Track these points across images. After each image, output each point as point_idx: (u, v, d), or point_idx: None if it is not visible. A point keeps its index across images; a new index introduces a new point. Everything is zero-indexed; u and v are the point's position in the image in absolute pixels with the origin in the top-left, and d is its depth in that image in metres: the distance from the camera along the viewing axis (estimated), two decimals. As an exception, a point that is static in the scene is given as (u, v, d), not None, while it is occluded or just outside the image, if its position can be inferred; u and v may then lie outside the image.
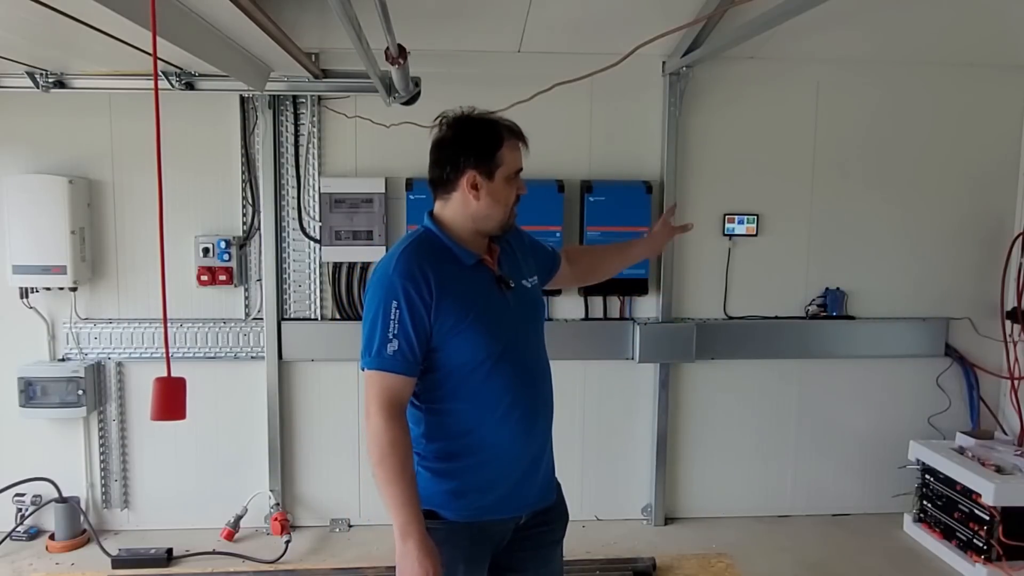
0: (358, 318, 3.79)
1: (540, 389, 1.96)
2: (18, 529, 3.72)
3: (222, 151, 3.72)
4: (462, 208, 1.86)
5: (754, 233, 3.90)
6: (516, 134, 1.89)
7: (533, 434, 1.92)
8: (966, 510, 3.52)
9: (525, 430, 1.89)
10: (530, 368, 1.93)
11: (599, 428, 3.98)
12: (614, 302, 3.91)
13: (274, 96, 3.63)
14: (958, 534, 3.57)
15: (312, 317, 3.81)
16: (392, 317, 1.74)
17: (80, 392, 3.63)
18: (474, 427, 1.86)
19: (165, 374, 1.91)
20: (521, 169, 1.91)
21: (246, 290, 3.80)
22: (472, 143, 1.84)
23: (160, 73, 3.26)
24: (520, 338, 1.91)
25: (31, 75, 3.32)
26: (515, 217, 1.93)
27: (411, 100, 3.34)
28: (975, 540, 3.46)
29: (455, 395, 1.84)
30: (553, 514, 2.03)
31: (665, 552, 3.66)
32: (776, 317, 3.98)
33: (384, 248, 3.63)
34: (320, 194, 3.69)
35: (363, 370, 1.79)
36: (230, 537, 3.73)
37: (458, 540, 1.83)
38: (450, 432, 1.86)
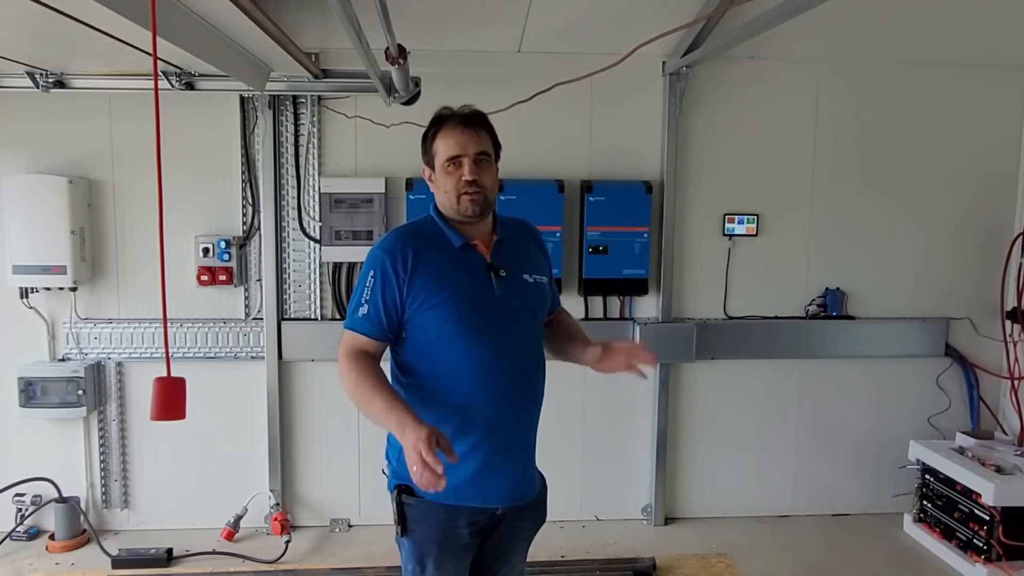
0: (358, 318, 3.79)
1: (521, 380, 1.97)
2: (18, 529, 3.72)
3: (222, 151, 3.72)
4: (435, 197, 2.01)
5: (754, 233, 3.90)
6: (459, 120, 1.92)
7: (507, 423, 1.95)
8: (966, 510, 3.52)
9: (495, 418, 1.92)
10: (512, 358, 1.94)
11: (599, 428, 3.98)
12: (614, 302, 3.91)
13: (274, 96, 3.63)
14: (958, 534, 3.57)
15: (312, 317, 3.81)
16: (367, 285, 1.91)
17: (80, 392, 3.63)
18: (442, 405, 1.91)
19: (165, 374, 1.91)
20: (460, 155, 1.90)
21: (246, 290, 3.80)
22: (422, 140, 2.00)
23: (160, 73, 3.26)
24: (505, 327, 1.93)
25: (31, 75, 3.32)
26: (475, 202, 1.90)
27: (411, 100, 3.34)
28: (975, 540, 3.46)
29: (428, 370, 1.93)
30: (527, 513, 2.06)
31: (665, 552, 3.66)
32: (776, 317, 3.98)
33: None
34: (320, 194, 3.69)
35: None
36: (230, 537, 3.73)
37: (431, 520, 1.91)
38: (422, 407, 1.89)
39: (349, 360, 1.89)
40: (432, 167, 1.97)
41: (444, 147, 1.92)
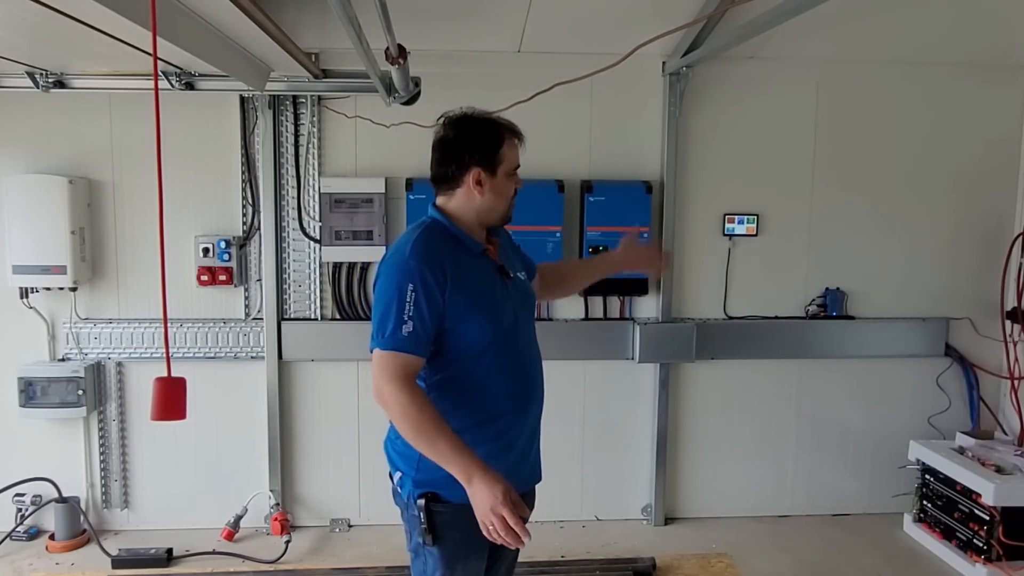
0: (358, 318, 3.80)
1: (534, 374, 2.07)
2: (18, 529, 3.72)
3: (222, 151, 3.72)
4: (466, 202, 1.97)
5: (754, 233, 3.90)
6: (514, 132, 2.00)
7: (528, 418, 2.03)
8: (966, 510, 3.52)
9: (522, 413, 2.00)
10: (526, 354, 2.04)
11: (599, 428, 3.98)
12: (614, 302, 3.91)
13: (274, 96, 3.63)
14: (958, 534, 3.57)
15: (312, 317, 3.81)
16: (408, 299, 1.80)
17: (80, 392, 3.63)
18: (477, 408, 1.94)
19: (165, 374, 1.91)
20: (519, 165, 2.03)
21: (246, 290, 3.80)
22: (476, 142, 1.95)
23: (160, 73, 3.26)
24: (518, 324, 2.01)
25: (31, 75, 3.31)
26: (512, 209, 2.05)
27: (411, 100, 3.33)
28: (975, 540, 3.46)
29: (461, 377, 1.93)
30: (526, 499, 2.05)
31: (665, 552, 3.66)
32: (776, 317, 3.98)
33: (384, 248, 3.63)
34: (320, 194, 3.69)
35: (373, 350, 1.84)
36: (230, 537, 3.73)
37: (460, 522, 1.87)
38: (454, 413, 1.91)
39: (408, 392, 1.79)
40: (492, 172, 1.95)
41: (512, 156, 1.99)
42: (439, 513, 1.89)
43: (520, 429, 2.01)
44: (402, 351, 1.80)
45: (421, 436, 1.78)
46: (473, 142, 1.95)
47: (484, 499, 1.71)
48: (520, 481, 2.02)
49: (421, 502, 1.89)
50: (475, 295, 1.90)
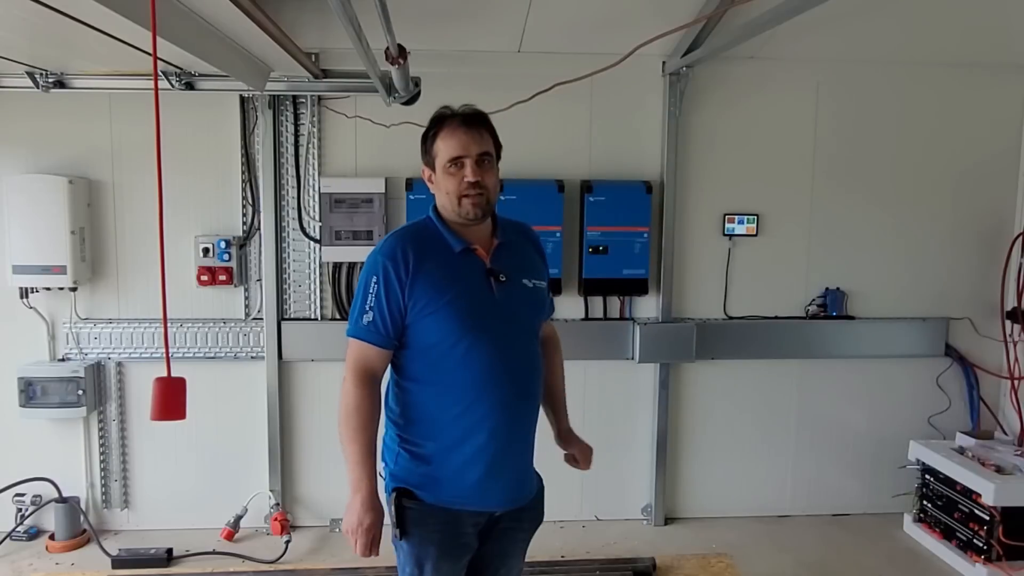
0: (358, 318, 3.79)
1: (521, 386, 1.95)
2: (18, 529, 3.72)
3: (222, 151, 3.72)
4: (438, 199, 1.98)
5: (754, 233, 3.90)
6: (460, 120, 1.90)
7: (509, 429, 1.93)
8: (966, 510, 3.52)
9: (498, 423, 1.90)
10: (513, 363, 1.93)
11: (599, 428, 3.95)
12: (614, 302, 3.91)
13: (274, 96, 3.63)
14: (958, 534, 3.57)
15: (312, 317, 3.81)
16: (370, 291, 1.88)
17: (80, 392, 3.63)
18: (443, 411, 1.91)
19: (165, 374, 1.91)
20: (462, 156, 1.87)
21: (246, 290, 3.80)
22: (422, 139, 1.96)
23: (160, 73, 3.26)
24: (505, 332, 1.92)
25: (31, 75, 3.32)
26: (477, 205, 1.89)
27: (411, 100, 3.33)
28: (975, 540, 3.46)
29: (427, 376, 1.91)
30: (526, 514, 2.05)
31: (665, 552, 3.66)
32: (776, 317, 3.98)
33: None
34: (320, 194, 3.69)
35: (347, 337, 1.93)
36: (230, 537, 3.73)
37: (431, 523, 1.90)
38: (423, 414, 1.93)
39: (354, 384, 1.92)
40: (432, 168, 1.94)
41: (446, 148, 1.88)
42: (409, 510, 1.91)
43: (493, 443, 1.89)
44: (361, 339, 1.90)
45: (343, 427, 1.91)
46: (422, 141, 1.97)
47: (351, 519, 1.87)
48: (499, 501, 1.96)
49: (393, 495, 1.92)
50: (438, 293, 1.85)
